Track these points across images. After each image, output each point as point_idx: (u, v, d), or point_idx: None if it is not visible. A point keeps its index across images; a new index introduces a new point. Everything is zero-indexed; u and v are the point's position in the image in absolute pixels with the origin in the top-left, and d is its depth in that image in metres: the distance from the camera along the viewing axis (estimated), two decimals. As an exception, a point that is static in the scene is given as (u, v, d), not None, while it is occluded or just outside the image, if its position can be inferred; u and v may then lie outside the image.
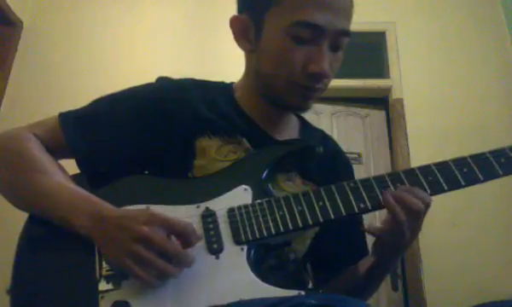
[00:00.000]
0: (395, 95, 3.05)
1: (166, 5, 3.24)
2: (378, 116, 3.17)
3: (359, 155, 2.98)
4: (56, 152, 0.84)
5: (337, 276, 0.95)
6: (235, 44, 0.88)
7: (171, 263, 0.67)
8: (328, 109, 3.08)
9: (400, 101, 3.03)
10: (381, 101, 3.18)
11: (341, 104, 3.13)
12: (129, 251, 0.66)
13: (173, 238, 0.68)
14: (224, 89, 0.94)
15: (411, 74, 3.07)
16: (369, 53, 3.29)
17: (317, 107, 2.95)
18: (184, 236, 0.68)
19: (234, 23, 0.86)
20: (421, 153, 2.77)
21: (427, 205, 0.73)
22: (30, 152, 0.80)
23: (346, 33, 0.81)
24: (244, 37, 0.86)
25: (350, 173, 1.03)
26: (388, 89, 3.10)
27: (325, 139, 1.03)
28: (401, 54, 3.12)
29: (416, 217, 0.72)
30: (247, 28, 0.85)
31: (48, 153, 0.82)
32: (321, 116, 3.06)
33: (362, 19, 3.13)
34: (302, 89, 0.81)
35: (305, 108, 0.87)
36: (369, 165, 2.98)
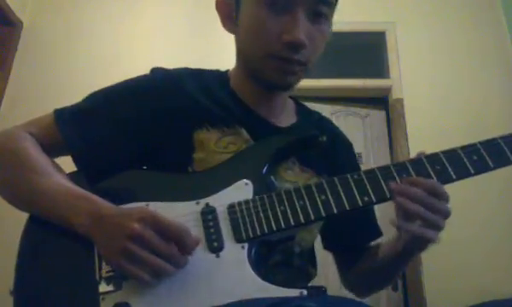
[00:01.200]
0: (395, 95, 3.05)
1: (166, 5, 3.24)
2: (378, 116, 3.17)
3: (359, 155, 2.97)
4: (53, 149, 0.83)
5: (356, 261, 0.96)
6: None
7: (165, 261, 0.66)
8: (328, 109, 3.07)
9: (400, 101, 3.02)
10: (380, 101, 3.17)
11: (341, 104, 3.12)
12: (121, 248, 0.65)
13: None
14: (219, 76, 0.94)
15: (411, 74, 3.07)
16: (369, 53, 3.29)
17: (317, 107, 2.93)
18: (177, 238, 0.67)
19: (219, 6, 0.87)
20: (421, 153, 2.76)
21: (435, 193, 0.69)
22: (26, 151, 0.79)
23: (324, 1, 0.78)
24: (229, 20, 0.86)
25: (351, 153, 1.02)
26: (388, 89, 3.09)
27: (322, 121, 1.02)
28: (401, 54, 3.11)
29: (425, 206, 0.68)
30: (231, 10, 0.85)
31: (44, 154, 0.81)
32: (321, 116, 3.05)
33: (362, 19, 3.12)
34: (280, 62, 0.79)
35: (286, 84, 0.84)
36: (370, 165, 2.97)
